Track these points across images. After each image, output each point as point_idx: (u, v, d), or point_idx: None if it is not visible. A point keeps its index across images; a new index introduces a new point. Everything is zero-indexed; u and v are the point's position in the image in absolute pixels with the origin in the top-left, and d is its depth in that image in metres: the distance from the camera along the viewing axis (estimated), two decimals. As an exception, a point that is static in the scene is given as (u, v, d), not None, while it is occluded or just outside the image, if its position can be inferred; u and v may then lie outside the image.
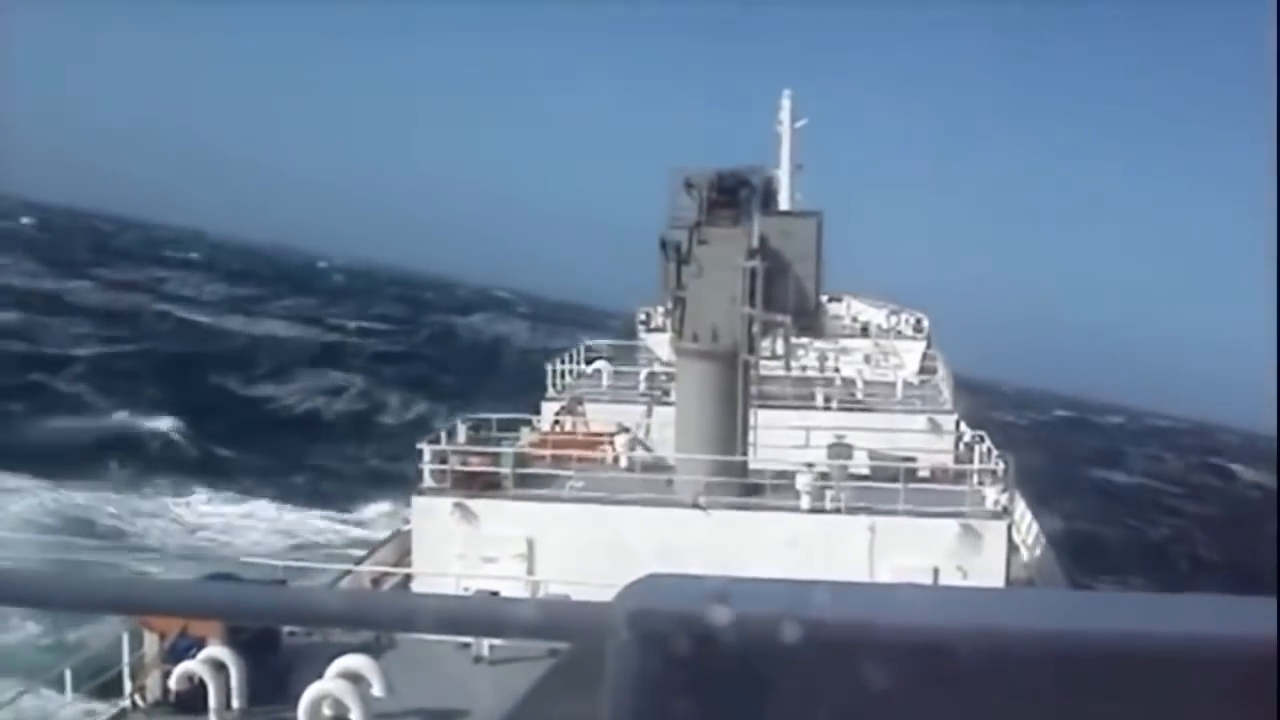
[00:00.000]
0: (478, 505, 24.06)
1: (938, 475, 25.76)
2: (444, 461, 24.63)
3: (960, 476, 25.09)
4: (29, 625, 29.32)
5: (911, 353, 41.83)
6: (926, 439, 29.93)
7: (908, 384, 36.70)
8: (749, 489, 24.34)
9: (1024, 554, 29.43)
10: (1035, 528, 30.89)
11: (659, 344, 36.41)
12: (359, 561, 27.25)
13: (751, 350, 25.07)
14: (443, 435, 25.56)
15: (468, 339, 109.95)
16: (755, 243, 24.74)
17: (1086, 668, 1.54)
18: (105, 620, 21.44)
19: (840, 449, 26.96)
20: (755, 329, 24.75)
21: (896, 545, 22.77)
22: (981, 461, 25.21)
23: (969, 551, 22.71)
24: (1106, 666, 1.53)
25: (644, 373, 35.25)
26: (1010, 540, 24.39)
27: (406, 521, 25.31)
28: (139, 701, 18.66)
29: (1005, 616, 1.61)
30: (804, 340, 31.39)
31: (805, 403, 32.38)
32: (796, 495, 23.70)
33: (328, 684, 17.26)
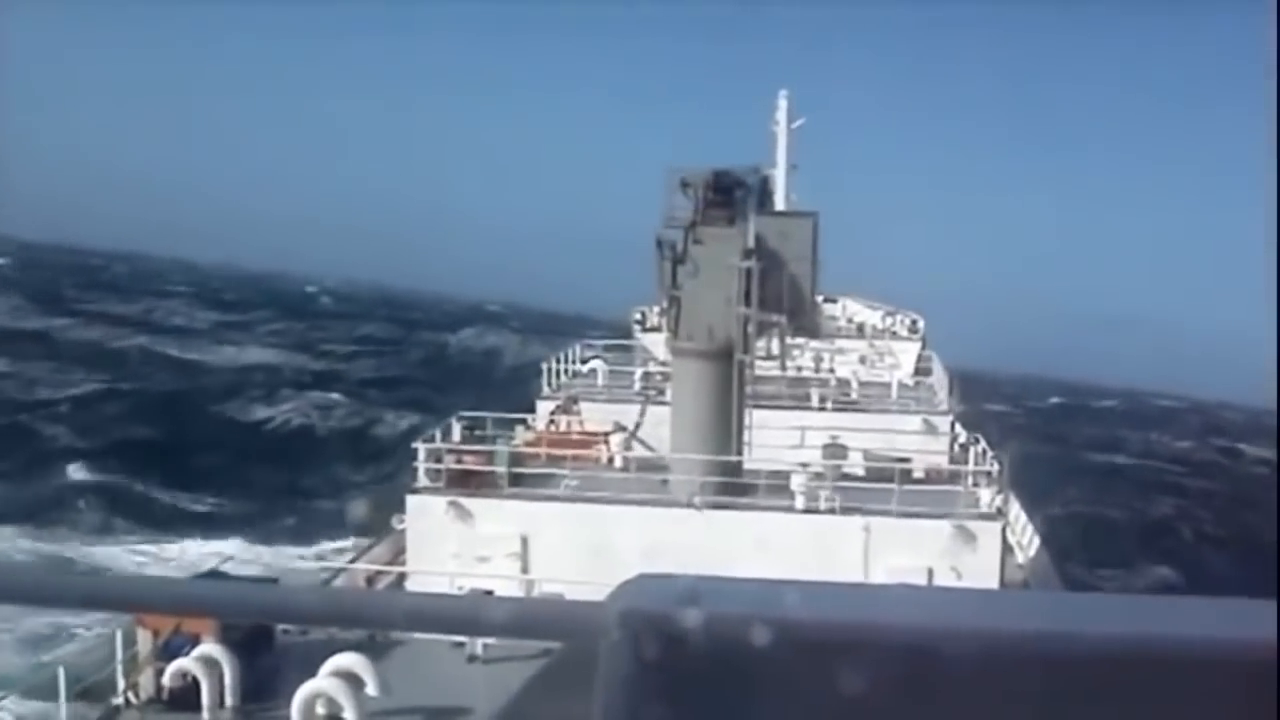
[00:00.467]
0: (472, 504, 24.06)
1: (932, 476, 25.77)
2: (439, 460, 24.63)
3: (955, 477, 25.09)
4: (25, 622, 29.27)
5: (907, 354, 41.85)
6: (921, 440, 29.95)
7: (903, 385, 36.72)
8: (743, 489, 24.33)
9: (1019, 555, 29.45)
10: (1030, 529, 30.90)
11: (655, 344, 36.42)
12: (353, 560, 27.22)
13: (747, 350, 25.07)
14: (437, 434, 25.54)
15: (459, 356, 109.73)
16: (751, 243, 24.74)
17: (1076, 669, 1.53)
18: (98, 617, 21.44)
19: (835, 449, 26.98)
20: (750, 329, 24.75)
21: (891, 546, 22.77)
22: (976, 463, 25.22)
23: (963, 552, 22.71)
24: (1098, 669, 1.53)
25: (639, 372, 35.26)
26: (1005, 541, 24.40)
27: (401, 520, 25.28)
28: (132, 699, 18.63)
29: (993, 618, 1.61)
30: (799, 340, 31.41)
31: (800, 403, 32.40)
32: (791, 495, 23.70)
33: (321, 682, 17.23)
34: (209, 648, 18.31)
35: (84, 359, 78.20)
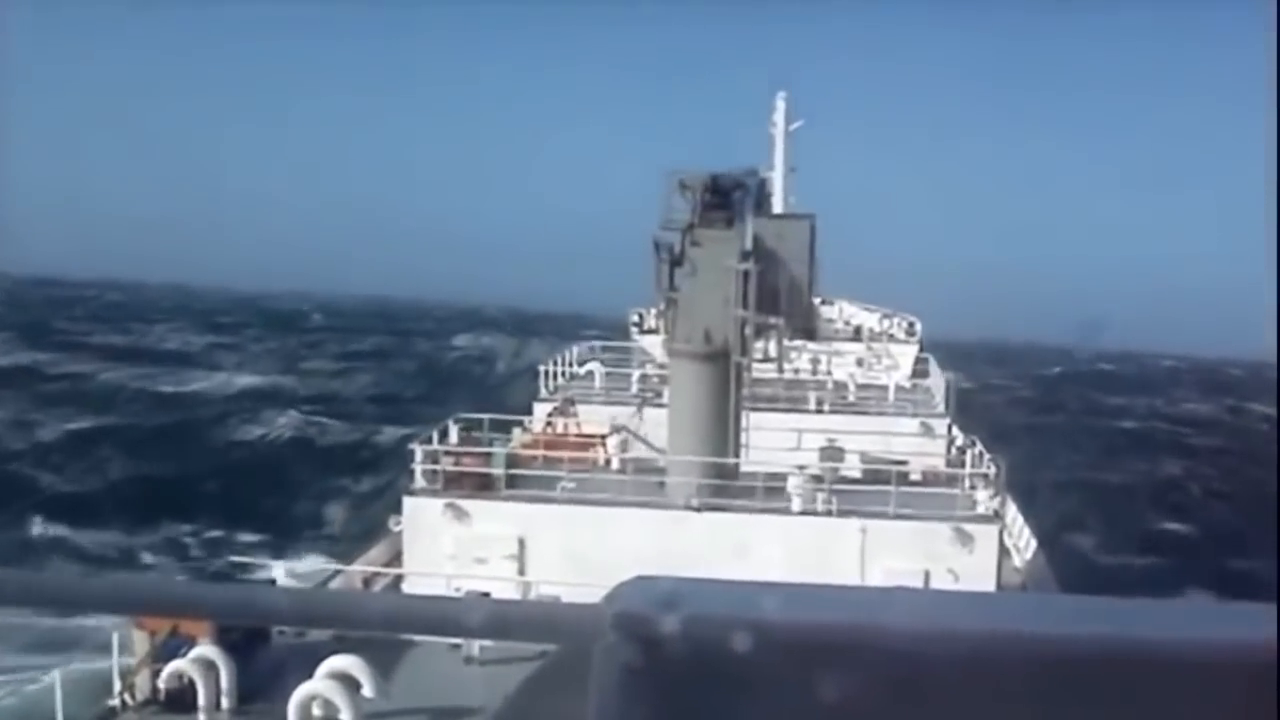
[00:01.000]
0: (469, 505, 24.05)
1: (929, 478, 25.76)
2: (435, 462, 24.62)
3: (952, 480, 25.09)
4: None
5: (904, 356, 41.87)
6: (918, 442, 29.96)
7: (900, 387, 36.73)
8: (740, 491, 24.32)
9: (1015, 558, 29.46)
10: (1027, 531, 30.91)
11: (653, 345, 36.43)
12: (350, 562, 27.20)
13: (744, 352, 25.07)
14: (434, 436, 25.53)
15: (456, 363, 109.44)
16: (749, 245, 24.74)
17: (1069, 672, 1.53)
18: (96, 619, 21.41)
19: (832, 452, 26.99)
20: (748, 331, 24.75)
21: (887, 548, 22.77)
22: (973, 465, 25.22)
23: (960, 555, 22.72)
24: (1094, 672, 1.53)
25: (636, 374, 35.26)
26: (1001, 544, 24.42)
27: (398, 522, 25.27)
28: (128, 700, 18.61)
29: (985, 620, 1.61)
30: (797, 343, 31.41)
31: (797, 405, 32.40)
32: (788, 498, 23.70)
33: (317, 684, 17.23)
34: (205, 649, 18.30)
35: (72, 396, 76.22)
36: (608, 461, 27.08)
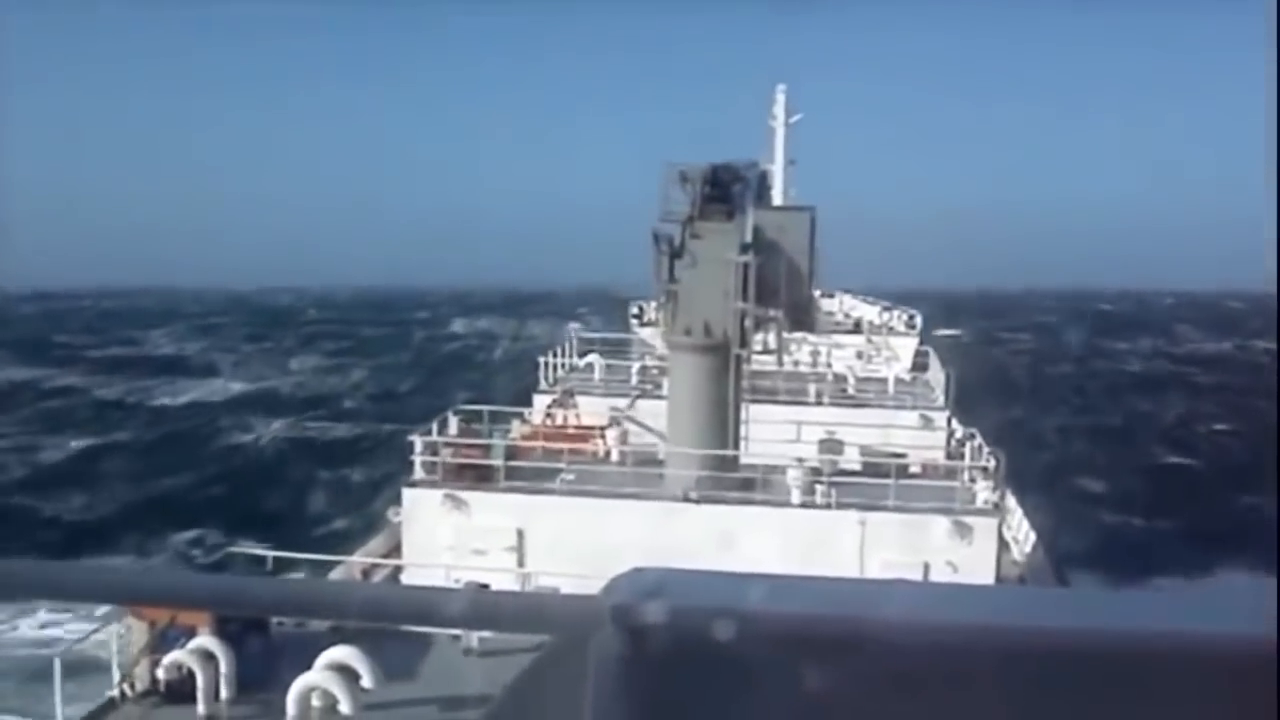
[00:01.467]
0: (468, 497, 24.09)
1: (929, 471, 25.78)
2: (435, 453, 24.65)
3: (951, 473, 25.11)
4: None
5: (904, 349, 41.90)
6: (918, 435, 29.97)
7: (899, 380, 36.74)
8: (740, 483, 24.35)
9: (1015, 551, 29.49)
10: (1026, 524, 30.94)
11: (654, 337, 36.44)
12: (349, 553, 27.24)
13: (744, 345, 25.08)
14: (434, 427, 25.55)
15: (456, 346, 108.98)
16: (748, 237, 24.73)
17: (1063, 664, 1.53)
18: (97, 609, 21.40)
19: (831, 444, 27.01)
20: (748, 323, 24.75)
21: (886, 541, 22.80)
22: (972, 458, 25.24)
23: (960, 548, 22.74)
24: (1089, 663, 1.53)
25: (636, 366, 35.28)
26: (1001, 537, 24.44)
27: (397, 513, 25.31)
28: (128, 691, 18.63)
29: (983, 613, 1.61)
30: (796, 335, 31.42)
31: (797, 398, 32.41)
32: (787, 490, 23.71)
33: (316, 675, 17.25)
34: (204, 640, 18.31)
35: (70, 412, 74.94)
36: (607, 453, 27.09)
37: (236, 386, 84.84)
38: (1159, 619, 1.58)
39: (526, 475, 24.84)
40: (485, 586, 18.85)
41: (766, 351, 28.97)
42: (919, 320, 44.09)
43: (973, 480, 24.11)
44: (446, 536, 23.85)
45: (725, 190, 25.06)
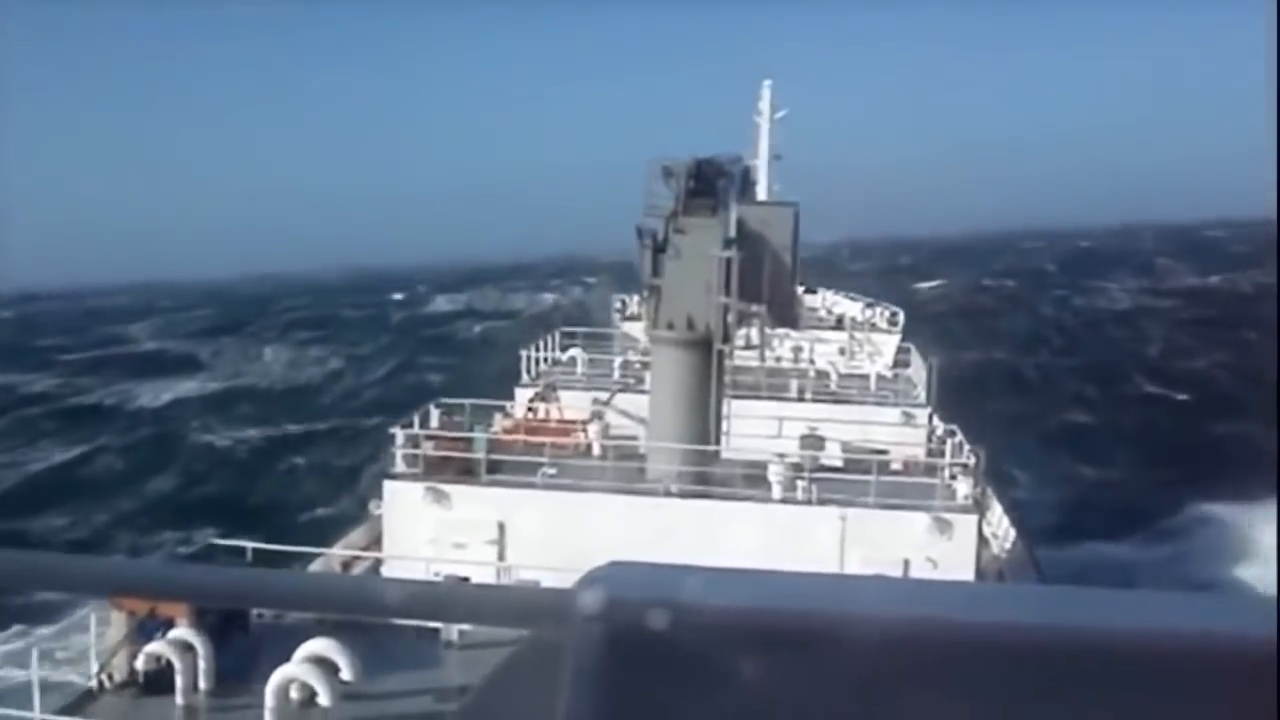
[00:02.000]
0: (449, 490, 24.07)
1: (910, 468, 25.85)
2: (416, 446, 24.63)
3: (932, 469, 25.17)
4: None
5: (886, 345, 41.99)
6: (899, 431, 30.04)
7: (881, 377, 36.82)
8: (720, 478, 24.38)
9: (995, 547, 29.58)
10: (1006, 521, 31.04)
11: (638, 331, 36.45)
12: (330, 545, 27.20)
13: (726, 340, 25.12)
14: (415, 420, 25.52)
15: (439, 327, 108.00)
16: (732, 232, 24.76)
17: (1048, 663, 1.53)
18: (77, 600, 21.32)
19: (812, 440, 27.06)
20: (730, 318, 24.79)
21: (866, 537, 22.84)
22: (953, 455, 25.31)
23: (939, 544, 22.81)
24: (1073, 663, 1.52)
25: (618, 360, 35.30)
26: (981, 533, 24.52)
27: (378, 506, 25.29)
28: (105, 682, 18.57)
29: (965, 610, 1.61)
30: (779, 331, 31.45)
31: (779, 394, 32.45)
32: (768, 485, 23.75)
33: (295, 667, 17.23)
34: (183, 631, 18.27)
35: (44, 421, 72.01)
36: (588, 447, 27.11)
37: (213, 385, 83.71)
38: (1146, 617, 1.56)
39: (508, 469, 24.84)
40: (465, 579, 18.87)
41: (749, 347, 29.02)
42: (901, 317, 44.19)
43: (953, 477, 24.18)
44: (427, 529, 23.82)
45: (709, 185, 25.09)
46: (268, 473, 56.39)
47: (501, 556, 23.58)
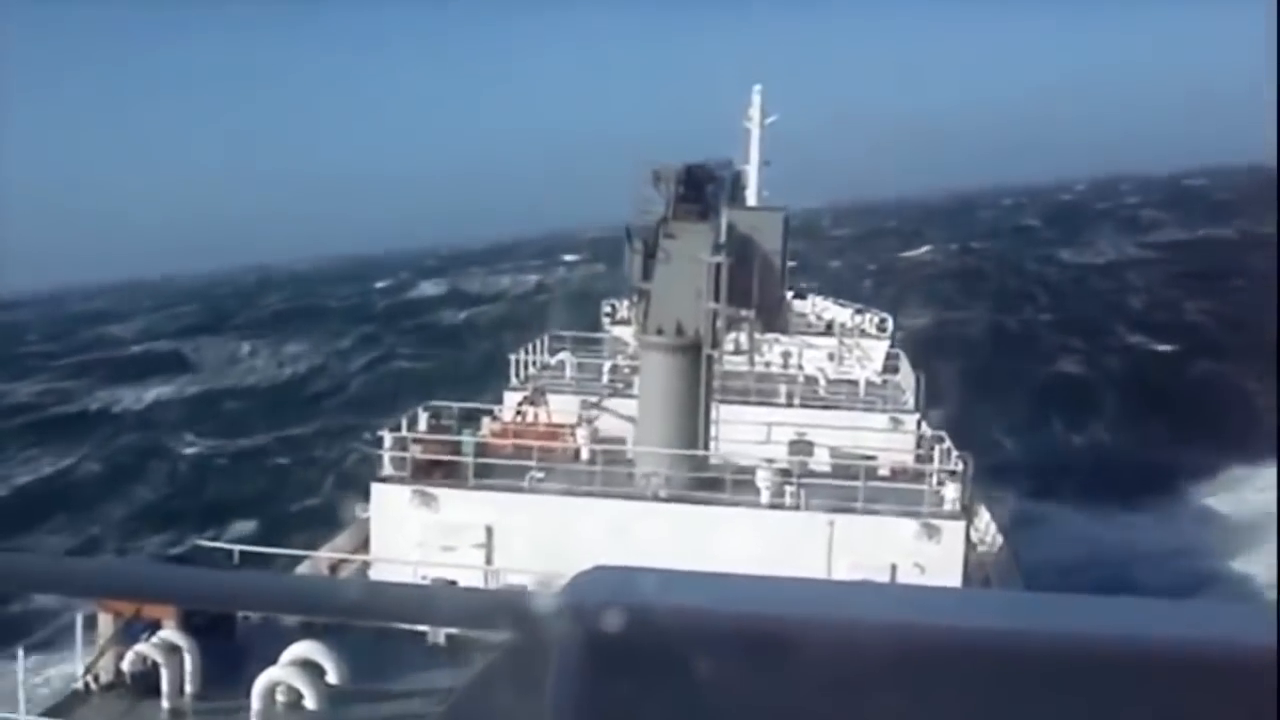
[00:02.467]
0: (437, 494, 24.05)
1: (898, 474, 25.87)
2: (404, 449, 24.60)
3: (920, 475, 25.20)
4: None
5: (875, 351, 41.99)
6: (887, 437, 30.06)
7: (870, 383, 36.84)
8: (709, 483, 24.38)
9: (982, 553, 29.60)
10: (994, 527, 31.07)
11: (625, 335, 36.43)
12: (317, 548, 27.14)
13: (715, 345, 25.12)
14: (403, 423, 25.49)
15: (421, 316, 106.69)
16: (722, 237, 24.77)
17: (1033, 668, 1.53)
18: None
19: (801, 446, 27.07)
20: (720, 324, 24.79)
21: (854, 542, 22.86)
22: (941, 461, 25.33)
23: (927, 550, 22.83)
24: (1061, 669, 1.52)
25: (607, 364, 35.27)
26: (969, 539, 24.54)
27: (365, 509, 25.25)
28: (92, 684, 18.52)
29: (953, 616, 1.61)
30: (768, 336, 31.47)
31: (768, 399, 32.46)
32: (756, 491, 23.75)
33: (281, 670, 17.20)
34: (169, 633, 18.23)
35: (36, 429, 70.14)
36: (577, 451, 27.09)
37: (193, 389, 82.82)
38: (1145, 625, 1.57)
39: (496, 472, 24.82)
40: (453, 583, 18.85)
41: (738, 352, 29.01)
42: (890, 322, 44.20)
43: (941, 483, 24.21)
44: (415, 533, 23.79)
45: (699, 190, 25.10)
46: (251, 473, 56.19)
47: (489, 560, 23.56)
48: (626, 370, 33.49)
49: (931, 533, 22.92)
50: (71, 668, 18.91)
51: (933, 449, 26.59)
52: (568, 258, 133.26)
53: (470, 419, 28.24)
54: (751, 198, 41.62)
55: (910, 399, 34.54)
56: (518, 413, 30.43)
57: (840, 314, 46.88)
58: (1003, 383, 57.10)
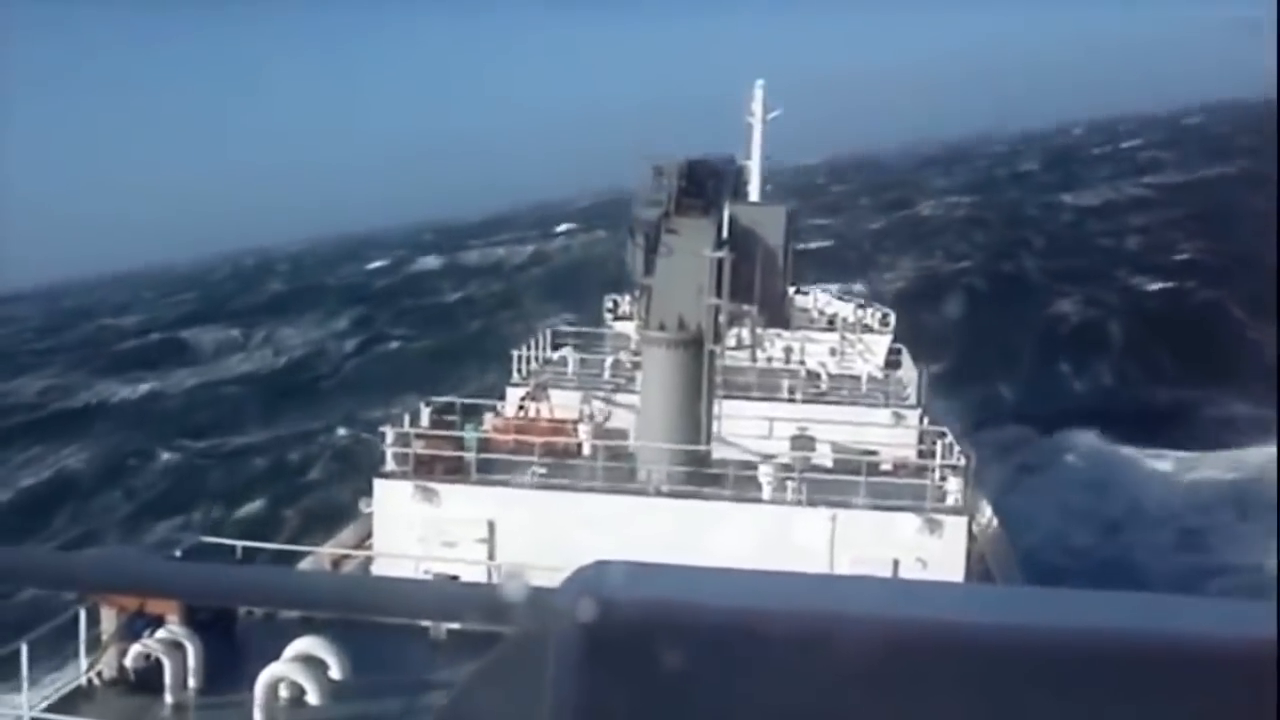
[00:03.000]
0: (439, 489, 24.07)
1: (900, 469, 25.88)
2: (406, 445, 24.61)
3: (922, 470, 25.20)
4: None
5: (878, 346, 41.98)
6: (890, 432, 30.05)
7: (872, 378, 36.84)
8: (711, 478, 24.39)
9: (984, 548, 29.59)
10: (995, 522, 31.06)
11: (628, 329, 36.43)
12: (320, 544, 27.18)
13: (718, 340, 25.12)
14: (405, 418, 25.51)
15: (421, 297, 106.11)
16: (724, 233, 24.76)
17: (1038, 663, 1.53)
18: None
19: (803, 441, 27.06)
20: (722, 319, 24.79)
21: (857, 537, 22.87)
22: (944, 456, 25.33)
23: (929, 544, 22.85)
24: (1067, 665, 1.52)
25: (609, 360, 35.28)
26: (970, 534, 24.56)
27: (368, 505, 25.27)
28: (95, 680, 18.53)
29: (955, 611, 1.61)
30: (770, 331, 31.46)
31: (770, 394, 32.46)
32: (758, 486, 23.76)
33: (284, 666, 17.21)
34: (172, 629, 18.24)
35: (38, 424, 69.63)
36: (579, 447, 27.10)
37: (191, 381, 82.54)
38: (1148, 620, 1.57)
39: (498, 468, 24.84)
40: (454, 578, 18.87)
41: (740, 347, 29.02)
42: (892, 318, 44.19)
43: (943, 478, 24.22)
44: (417, 528, 23.81)
45: (701, 185, 25.09)
46: (251, 468, 56.14)
47: (491, 556, 23.58)
48: (628, 366, 33.50)
49: (934, 528, 22.94)
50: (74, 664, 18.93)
51: (934, 444, 26.60)
52: (562, 227, 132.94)
53: (472, 414, 28.24)
54: (754, 194, 41.64)
55: (912, 394, 34.53)
56: (520, 408, 30.44)
57: (842, 309, 46.87)
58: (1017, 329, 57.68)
